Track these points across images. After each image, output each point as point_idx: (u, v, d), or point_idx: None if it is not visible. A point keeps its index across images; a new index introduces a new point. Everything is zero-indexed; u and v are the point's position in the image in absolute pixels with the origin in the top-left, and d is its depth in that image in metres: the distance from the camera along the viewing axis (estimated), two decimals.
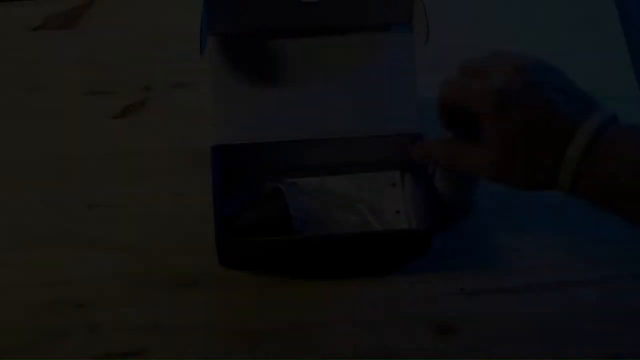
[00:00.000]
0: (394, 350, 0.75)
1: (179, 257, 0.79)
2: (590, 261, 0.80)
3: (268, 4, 0.78)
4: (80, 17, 0.94)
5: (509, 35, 0.94)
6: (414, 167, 0.79)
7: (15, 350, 0.74)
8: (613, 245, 0.80)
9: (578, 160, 0.59)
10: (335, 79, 0.80)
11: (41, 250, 0.79)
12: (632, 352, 0.75)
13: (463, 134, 0.68)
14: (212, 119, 0.79)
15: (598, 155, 0.59)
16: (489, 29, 0.95)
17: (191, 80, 0.89)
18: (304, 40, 0.79)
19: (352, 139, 0.80)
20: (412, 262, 0.78)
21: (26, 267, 0.78)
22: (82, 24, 0.93)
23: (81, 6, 0.95)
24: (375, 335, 0.75)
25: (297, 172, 0.82)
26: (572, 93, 0.62)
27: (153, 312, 0.76)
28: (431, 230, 0.75)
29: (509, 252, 0.80)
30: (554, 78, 0.63)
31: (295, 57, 0.80)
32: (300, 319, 0.76)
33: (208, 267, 0.78)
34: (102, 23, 0.94)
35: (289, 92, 0.80)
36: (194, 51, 0.91)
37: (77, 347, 0.74)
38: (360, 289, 0.78)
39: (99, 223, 0.80)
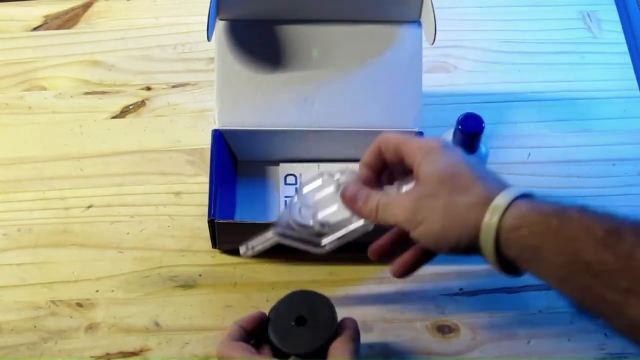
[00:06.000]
0: (394, 350, 0.75)
1: (178, 257, 0.79)
2: None
3: None
4: (80, 17, 0.94)
5: (507, 35, 0.94)
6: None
7: (16, 350, 0.74)
8: None
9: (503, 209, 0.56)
10: (341, 69, 0.80)
11: (41, 250, 0.79)
12: (632, 352, 0.75)
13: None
14: (216, 104, 0.79)
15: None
16: (487, 29, 0.95)
17: (191, 80, 0.90)
18: (312, 29, 0.78)
19: (352, 132, 0.80)
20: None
21: (27, 267, 0.78)
22: (82, 24, 0.94)
23: (81, 6, 0.95)
24: (375, 335, 0.76)
25: (294, 161, 0.82)
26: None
27: (153, 312, 0.76)
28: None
29: None
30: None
31: (302, 45, 0.79)
32: None
33: (208, 267, 0.78)
34: (102, 23, 0.94)
35: (293, 80, 0.79)
36: (194, 50, 0.92)
37: (77, 347, 0.74)
38: (360, 289, 0.78)
39: (99, 223, 0.80)
